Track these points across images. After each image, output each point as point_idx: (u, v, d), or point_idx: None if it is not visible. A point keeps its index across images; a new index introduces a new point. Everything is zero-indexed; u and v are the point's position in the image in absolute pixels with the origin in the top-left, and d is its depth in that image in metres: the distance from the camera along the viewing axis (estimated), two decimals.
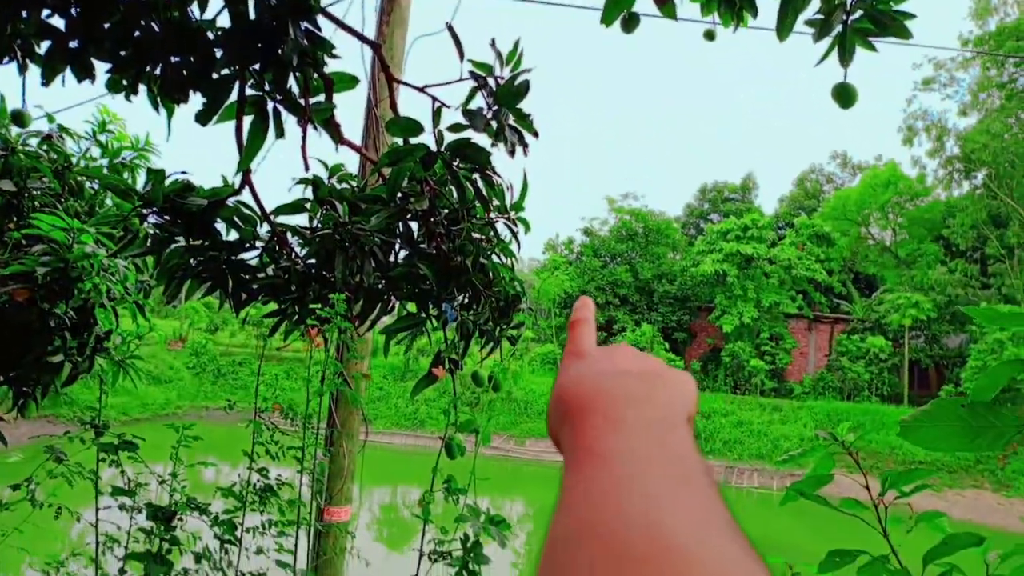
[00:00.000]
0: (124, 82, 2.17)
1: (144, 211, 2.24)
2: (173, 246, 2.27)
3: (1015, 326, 1.11)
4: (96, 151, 3.50)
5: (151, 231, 2.34)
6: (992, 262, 31.12)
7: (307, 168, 2.06)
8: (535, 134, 1.93)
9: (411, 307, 2.41)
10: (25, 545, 2.16)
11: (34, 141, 3.00)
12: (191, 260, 2.30)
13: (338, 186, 2.35)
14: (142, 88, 2.19)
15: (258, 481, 2.20)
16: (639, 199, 39.63)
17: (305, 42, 1.84)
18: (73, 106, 3.75)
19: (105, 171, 3.36)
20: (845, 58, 1.98)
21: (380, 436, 25.77)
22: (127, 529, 2.14)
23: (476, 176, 2.00)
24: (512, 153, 1.88)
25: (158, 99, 2.17)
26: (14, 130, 2.92)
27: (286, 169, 2.45)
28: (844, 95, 2.02)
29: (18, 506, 2.08)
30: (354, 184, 2.41)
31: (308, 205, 2.28)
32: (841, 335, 31.19)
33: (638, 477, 0.30)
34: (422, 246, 2.26)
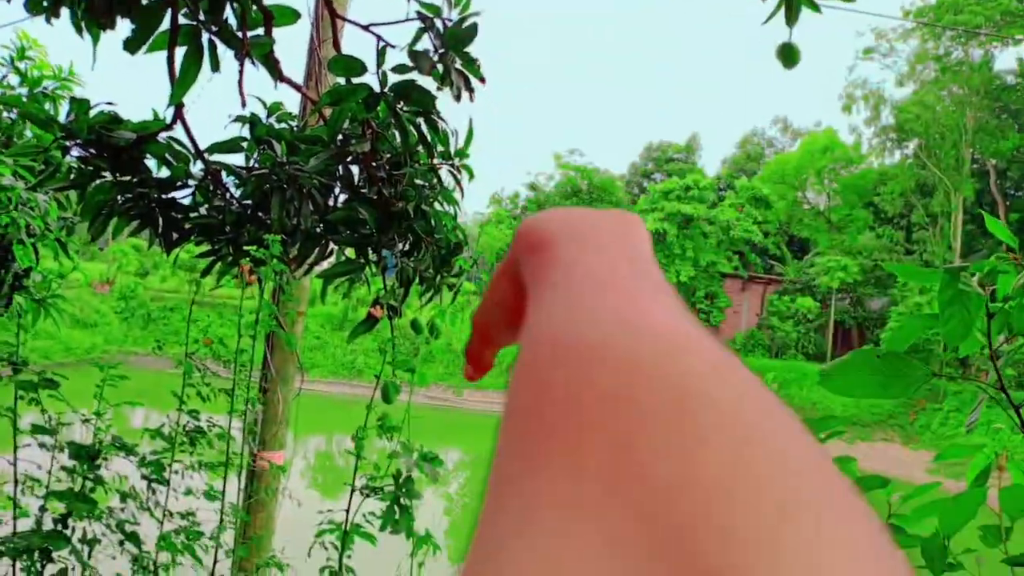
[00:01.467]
0: (44, 3, 2.03)
1: (67, 143, 2.13)
2: (99, 181, 2.18)
3: (929, 282, 1.17)
4: (14, 79, 3.30)
5: (74, 165, 2.23)
6: (916, 229, 32.62)
7: (244, 105, 1.99)
8: (482, 80, 1.90)
9: (350, 252, 2.38)
10: None
11: None
12: (118, 196, 2.21)
13: (276, 125, 2.28)
14: (65, 12, 2.06)
15: (188, 423, 2.17)
16: (584, 155, 39.71)
17: None
18: None
19: (24, 100, 3.17)
20: (791, 17, 2.01)
21: (317, 384, 25.61)
22: (48, 469, 2.08)
23: (420, 120, 1.97)
24: (458, 98, 1.85)
25: (82, 23, 2.05)
26: None
27: (222, 106, 2.36)
28: (787, 55, 2.05)
29: None
30: (293, 124, 2.34)
31: (244, 144, 2.20)
32: (773, 295, 32.32)
33: (613, 284, 0.26)
34: (363, 190, 2.23)
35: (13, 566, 1.99)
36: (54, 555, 1.98)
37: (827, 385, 1.25)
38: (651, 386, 0.19)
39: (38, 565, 1.94)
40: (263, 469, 3.81)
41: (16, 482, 2.09)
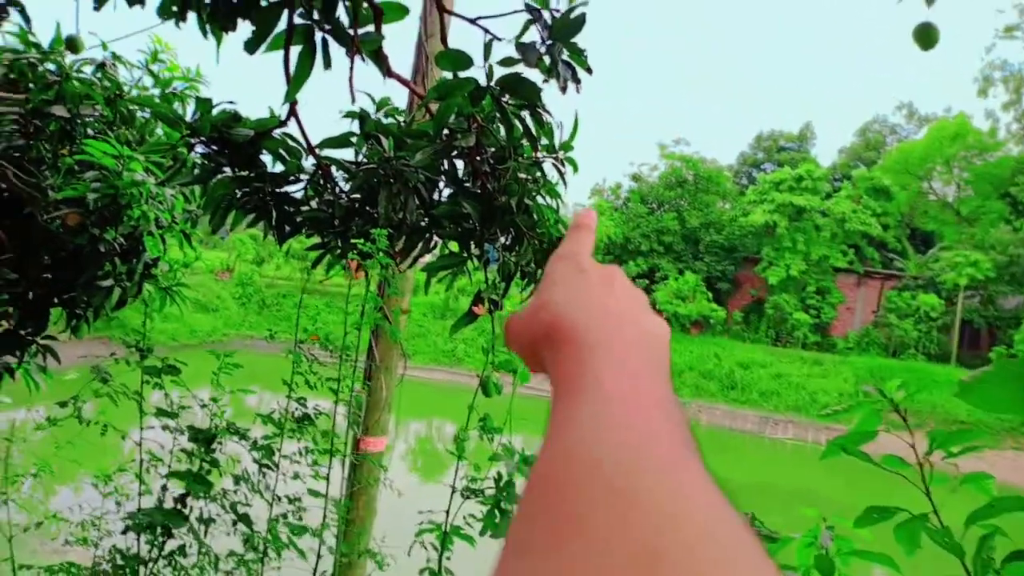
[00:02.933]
0: (174, 7, 2.14)
1: (192, 140, 2.25)
2: (219, 176, 2.28)
3: None
4: (148, 80, 3.51)
5: (198, 161, 2.35)
6: None
7: (353, 100, 2.02)
8: (589, 71, 1.85)
9: (453, 246, 2.39)
10: (79, 459, 2.27)
11: (88, 69, 3.01)
12: (236, 191, 2.30)
13: (384, 120, 2.31)
14: (192, 16, 2.16)
15: (296, 409, 2.25)
16: (690, 145, 38.69)
17: None
18: (127, 36, 3.75)
19: (157, 101, 3.37)
20: None
21: (418, 371, 26.32)
22: (170, 449, 2.22)
23: (525, 113, 1.94)
24: (564, 90, 1.81)
25: (207, 26, 2.14)
26: (68, 57, 2.93)
27: (333, 102, 2.42)
28: (926, 36, 1.88)
29: (71, 423, 2.17)
30: (401, 119, 2.37)
31: (354, 139, 2.25)
32: (891, 291, 30.39)
33: (637, 418, 0.29)
34: (467, 184, 2.22)
35: (138, 540, 2.14)
36: (174, 532, 2.11)
37: (967, 398, 1.13)
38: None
39: (160, 540, 2.08)
40: (366, 454, 3.93)
41: (141, 461, 2.24)
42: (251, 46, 1.97)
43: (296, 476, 2.22)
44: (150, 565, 2.10)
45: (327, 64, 1.95)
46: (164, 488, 2.12)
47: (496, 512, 1.72)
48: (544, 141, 2.09)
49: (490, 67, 1.83)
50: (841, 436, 1.52)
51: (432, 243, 2.40)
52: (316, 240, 2.37)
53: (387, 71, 2.01)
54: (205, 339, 25.59)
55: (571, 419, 0.30)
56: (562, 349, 0.36)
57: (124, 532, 2.08)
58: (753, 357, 28.32)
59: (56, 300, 2.64)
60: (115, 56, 3.25)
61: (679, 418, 0.31)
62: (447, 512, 1.80)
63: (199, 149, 2.30)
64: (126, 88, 3.24)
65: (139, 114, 3.18)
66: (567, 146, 2.10)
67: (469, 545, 1.78)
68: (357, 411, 2.22)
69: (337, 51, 1.95)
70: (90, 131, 2.82)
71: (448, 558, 1.81)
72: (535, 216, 2.27)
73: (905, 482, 1.51)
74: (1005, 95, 31.02)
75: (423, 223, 2.24)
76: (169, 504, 2.06)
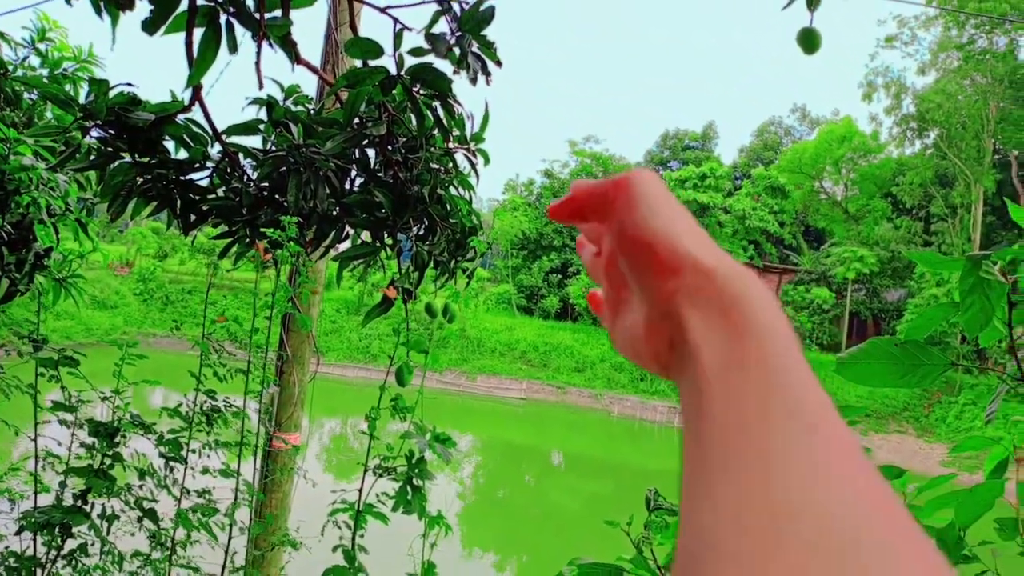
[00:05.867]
0: None
1: (87, 123, 2.15)
2: (118, 162, 2.19)
3: (950, 270, 1.16)
4: (35, 60, 3.31)
5: (94, 145, 2.25)
6: (935, 220, 32.18)
7: (261, 86, 1.99)
8: (498, 63, 1.89)
9: (366, 236, 2.38)
10: None
11: None
12: (137, 178, 2.22)
13: (293, 108, 2.28)
14: None
15: (205, 402, 2.19)
16: (600, 143, 39.49)
17: None
18: (9, 12, 3.52)
19: (44, 81, 3.18)
20: (812, 2, 1.98)
21: (332, 368, 25.82)
22: (68, 446, 2.12)
23: (436, 104, 1.96)
24: (474, 81, 1.84)
25: (101, 4, 2.05)
26: None
27: (239, 89, 2.36)
28: (808, 40, 2.02)
29: None
30: (310, 107, 2.35)
31: (262, 126, 2.21)
32: (788, 285, 32.10)
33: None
34: (379, 174, 2.23)
35: (34, 540, 2.03)
36: (74, 530, 2.01)
37: (844, 373, 1.24)
38: None
39: (58, 540, 1.98)
40: (279, 450, 3.85)
41: (37, 458, 2.13)
42: (151, 26, 1.90)
43: (206, 470, 2.17)
44: (48, 567, 1.99)
45: (232, 48, 1.91)
46: (63, 484, 2.02)
47: (408, 488, 1.75)
48: (456, 132, 2.12)
49: (400, 56, 1.84)
50: None
51: (344, 233, 2.39)
52: (223, 229, 2.32)
53: (296, 58, 1.99)
54: (103, 337, 24.18)
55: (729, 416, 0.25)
56: (707, 310, 0.28)
57: (18, 533, 1.97)
58: None
59: None
60: None
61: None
62: (360, 491, 1.81)
63: (94, 133, 2.20)
64: (10, 68, 3.05)
65: (26, 96, 3.00)
66: (478, 137, 2.13)
67: (382, 523, 1.80)
68: (269, 405, 2.18)
69: (244, 35, 1.91)
70: None
71: (361, 535, 1.82)
72: (448, 206, 2.30)
73: None
74: (886, 100, 33.24)
75: (334, 212, 2.23)
76: (69, 502, 1.97)
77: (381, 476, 1.79)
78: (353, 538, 1.77)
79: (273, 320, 2.24)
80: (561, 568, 1.34)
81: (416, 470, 1.76)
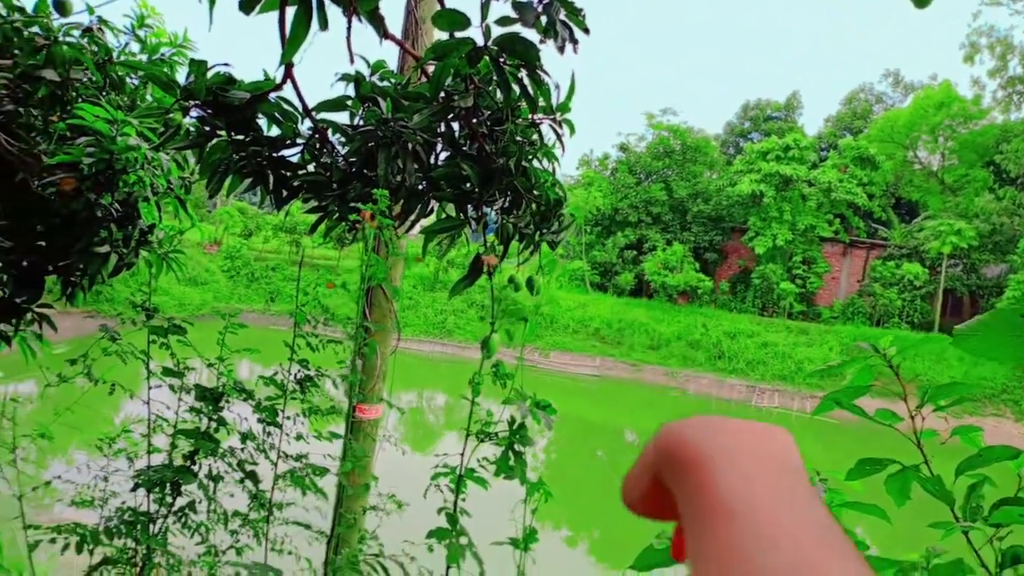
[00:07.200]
0: None
1: (186, 104, 2.23)
2: (215, 140, 2.28)
3: None
4: (135, 47, 3.46)
5: (193, 125, 2.34)
6: None
7: (352, 61, 2.02)
8: (586, 30, 1.85)
9: (450, 210, 2.40)
10: (78, 425, 2.29)
11: (76, 33, 2.97)
12: (233, 155, 2.30)
13: (380, 83, 2.30)
14: None
15: (299, 372, 2.28)
16: (678, 115, 38.53)
17: None
18: (112, 0, 3.69)
19: (147, 65, 3.33)
20: None
21: (409, 343, 26.40)
22: (175, 411, 2.25)
23: (523, 74, 1.94)
24: (562, 50, 1.81)
25: None
26: (56, 20, 2.88)
27: (328, 66, 2.41)
28: None
29: (65, 392, 2.18)
30: (396, 82, 2.37)
31: (350, 102, 2.24)
32: (876, 261, 30.68)
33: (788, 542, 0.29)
34: (464, 147, 2.23)
35: (147, 497, 2.17)
36: (183, 489, 2.15)
37: (962, 346, 1.17)
38: None
39: (169, 497, 2.11)
40: (362, 420, 3.98)
41: (149, 419, 2.27)
42: (247, 6, 1.96)
43: (299, 436, 2.26)
44: (159, 522, 2.14)
45: (323, 25, 1.95)
46: (173, 445, 2.16)
47: (509, 454, 1.77)
48: (541, 103, 2.09)
49: (487, 27, 1.83)
50: (835, 390, 1.56)
51: (429, 207, 2.41)
52: (313, 204, 2.38)
53: (384, 32, 2.00)
54: (194, 312, 25.49)
55: (706, 551, 0.30)
56: (683, 475, 0.35)
57: (133, 490, 2.11)
58: (740, 327, 28.59)
59: (51, 268, 2.64)
60: (102, 21, 3.20)
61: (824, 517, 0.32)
62: (462, 455, 1.84)
63: (193, 113, 2.29)
64: (114, 54, 3.20)
65: (129, 80, 3.15)
66: (564, 107, 2.11)
67: (482, 488, 1.83)
68: (356, 375, 2.25)
69: (333, 12, 1.94)
70: (80, 96, 2.79)
71: (463, 499, 1.86)
72: (532, 179, 2.28)
73: (881, 448, 1.56)
74: (991, 62, 31.05)
75: (421, 186, 2.25)
76: (178, 463, 2.10)
77: (483, 441, 1.82)
78: (456, 502, 1.81)
79: (362, 292, 2.29)
80: (632, 544, 1.33)
81: (517, 436, 1.78)
